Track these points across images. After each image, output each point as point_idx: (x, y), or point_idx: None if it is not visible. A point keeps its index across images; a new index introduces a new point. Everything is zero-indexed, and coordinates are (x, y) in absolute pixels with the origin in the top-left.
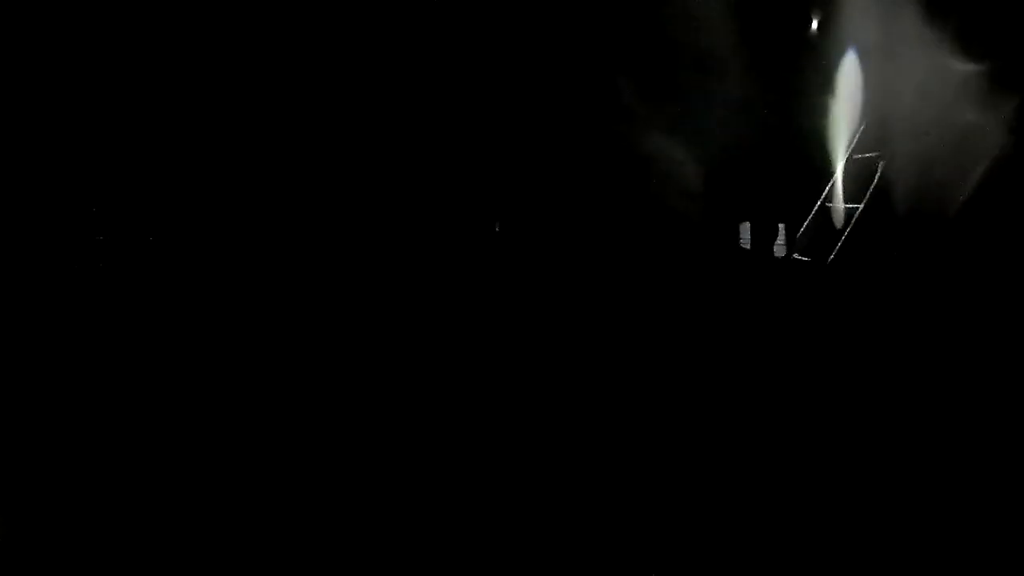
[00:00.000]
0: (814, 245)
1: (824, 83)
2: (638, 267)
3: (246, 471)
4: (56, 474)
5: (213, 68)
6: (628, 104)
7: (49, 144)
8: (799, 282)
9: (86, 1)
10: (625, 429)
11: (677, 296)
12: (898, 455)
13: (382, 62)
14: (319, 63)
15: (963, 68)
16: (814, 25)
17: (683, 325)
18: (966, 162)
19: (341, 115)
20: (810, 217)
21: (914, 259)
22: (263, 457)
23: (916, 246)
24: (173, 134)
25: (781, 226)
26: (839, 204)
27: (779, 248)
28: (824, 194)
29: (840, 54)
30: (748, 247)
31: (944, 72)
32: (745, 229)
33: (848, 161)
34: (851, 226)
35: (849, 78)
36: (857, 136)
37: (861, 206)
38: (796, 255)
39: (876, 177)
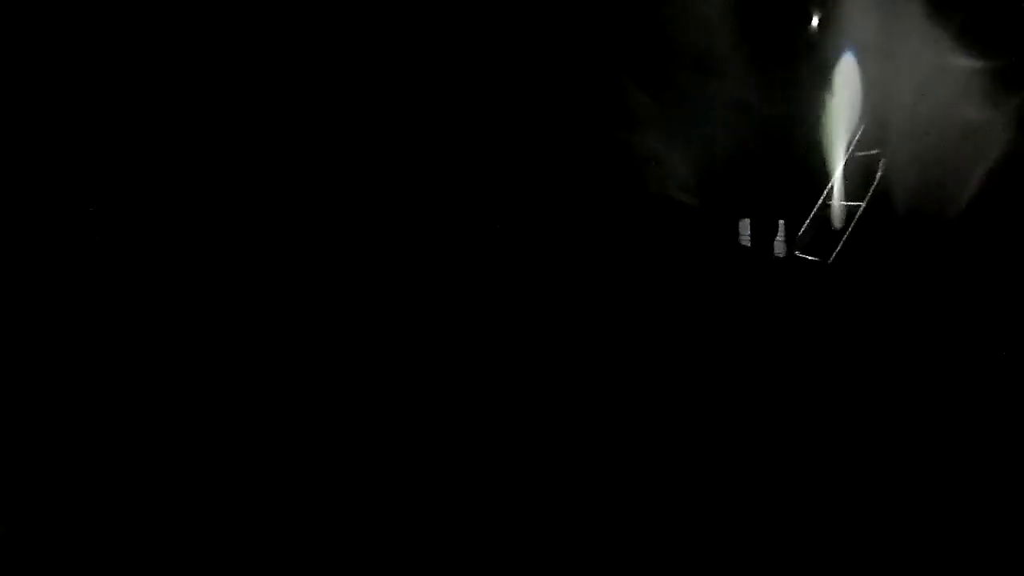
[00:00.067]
0: (815, 244)
1: (824, 82)
2: (638, 266)
3: (245, 471)
4: (56, 474)
5: (213, 68)
6: (628, 104)
7: (49, 144)
8: (800, 281)
9: (86, 1)
10: (626, 427)
11: (677, 295)
12: (898, 453)
13: (382, 62)
14: (319, 63)
15: (964, 67)
16: (814, 24)
17: (683, 324)
18: (967, 161)
19: (340, 115)
20: (811, 216)
21: (915, 258)
22: (263, 456)
23: (917, 245)
24: (173, 134)
25: (781, 224)
26: (840, 203)
27: (779, 247)
28: (825, 193)
29: (840, 53)
30: (748, 246)
31: (945, 71)
32: (745, 227)
33: (849, 160)
34: (852, 225)
35: (849, 77)
36: (858, 135)
37: (862, 205)
38: (797, 254)
39: (877, 176)
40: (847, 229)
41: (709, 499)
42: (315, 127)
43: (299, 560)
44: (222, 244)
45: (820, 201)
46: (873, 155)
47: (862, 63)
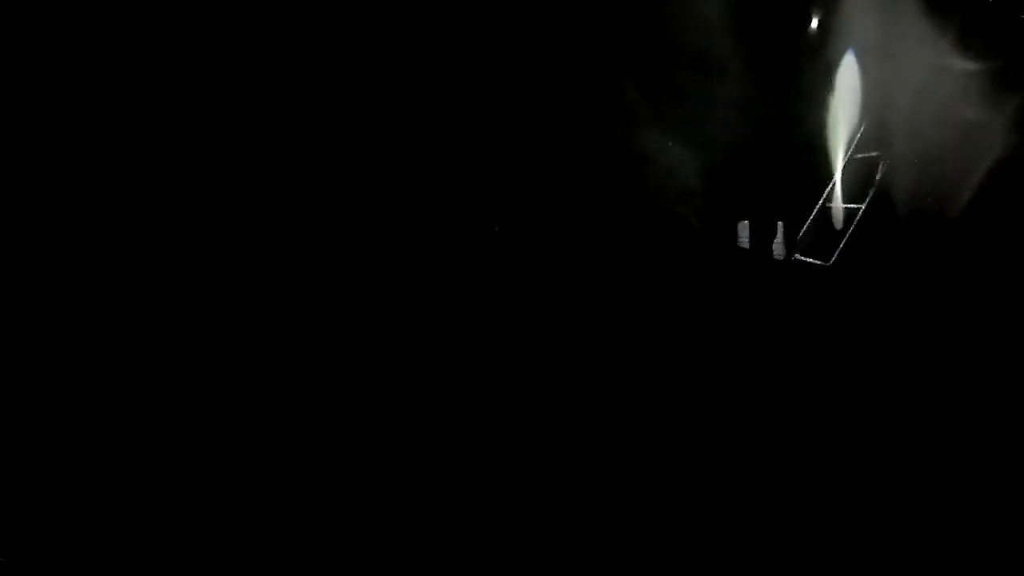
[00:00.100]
0: (814, 246)
1: (824, 84)
2: (638, 268)
3: (245, 471)
4: (56, 474)
5: (213, 68)
6: (628, 104)
7: (49, 144)
8: (799, 284)
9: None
10: (625, 431)
11: (677, 297)
12: (901, 456)
13: (382, 62)
14: (319, 63)
15: (964, 68)
16: (814, 25)
17: (683, 327)
18: (967, 162)
19: (339, 116)
20: (810, 218)
21: (915, 260)
22: (262, 457)
23: (917, 247)
24: (173, 134)
25: (780, 227)
26: (839, 205)
27: (778, 249)
28: (824, 195)
29: (840, 54)
30: (747, 247)
31: (945, 72)
32: (744, 229)
33: (848, 162)
34: (852, 227)
35: (849, 78)
36: (858, 137)
37: (863, 206)
38: (796, 256)
39: (876, 178)
40: (847, 231)
41: (709, 505)
42: (312, 127)
43: (299, 560)
44: (222, 245)
45: (820, 203)
46: (873, 157)
47: (862, 64)
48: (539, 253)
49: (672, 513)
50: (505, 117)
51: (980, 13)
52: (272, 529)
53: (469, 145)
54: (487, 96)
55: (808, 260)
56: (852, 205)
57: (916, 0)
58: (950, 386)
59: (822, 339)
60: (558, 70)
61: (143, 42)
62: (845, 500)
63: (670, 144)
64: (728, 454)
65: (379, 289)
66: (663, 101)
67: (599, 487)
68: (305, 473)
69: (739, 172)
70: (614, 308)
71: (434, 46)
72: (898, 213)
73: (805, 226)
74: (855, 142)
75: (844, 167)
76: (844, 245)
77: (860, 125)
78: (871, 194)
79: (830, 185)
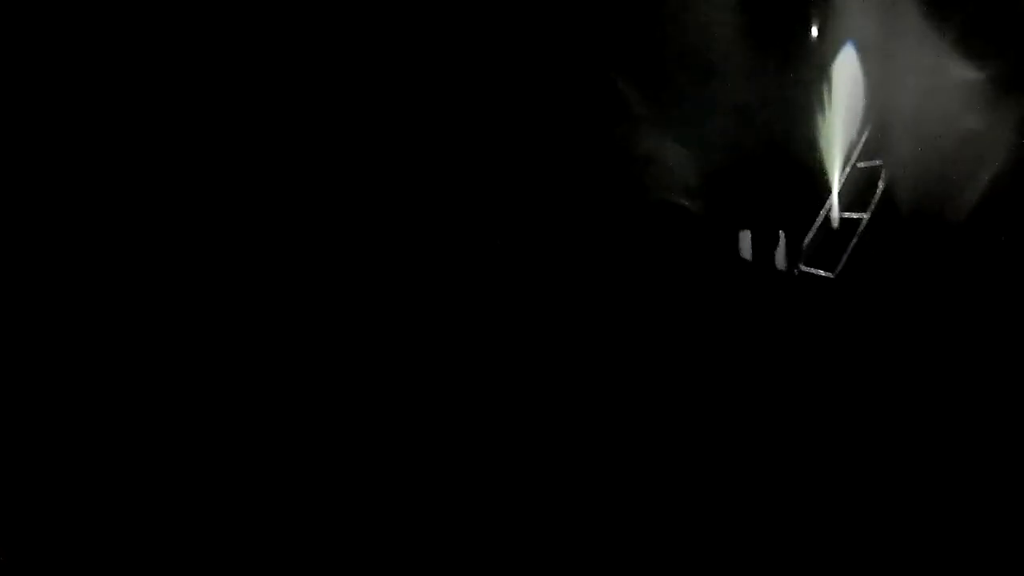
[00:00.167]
0: (818, 256)
1: (825, 89)
2: (636, 279)
3: (245, 472)
4: (56, 475)
5: (212, 69)
6: (626, 109)
7: (49, 144)
8: (804, 295)
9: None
10: (623, 447)
11: (677, 309)
12: (906, 468)
13: (378, 65)
14: (312, 68)
15: (967, 71)
16: (815, 30)
17: (684, 340)
18: (972, 167)
19: (337, 117)
20: (813, 228)
21: (921, 269)
22: (262, 458)
23: (922, 256)
24: (172, 135)
25: (782, 236)
26: (842, 214)
27: (781, 259)
28: (827, 205)
29: (842, 60)
30: (749, 259)
31: (948, 75)
32: (746, 239)
33: (851, 170)
34: (856, 237)
35: (851, 83)
36: (860, 144)
37: (866, 215)
38: (800, 267)
39: (880, 185)
40: (851, 241)
41: (710, 512)
42: (307, 134)
43: (299, 560)
44: (217, 251)
45: (822, 213)
46: (876, 166)
47: (864, 70)
48: (534, 263)
49: (668, 523)
50: (500, 122)
51: (983, 15)
52: (272, 529)
53: (467, 148)
54: (485, 99)
55: (812, 271)
56: (855, 214)
57: (918, 3)
58: (959, 398)
59: (829, 353)
60: (557, 77)
61: (143, 42)
62: (851, 515)
63: (669, 151)
64: (728, 473)
65: (378, 290)
66: (661, 107)
67: (595, 498)
68: (305, 474)
69: (740, 181)
70: (613, 320)
71: (430, 49)
72: (902, 222)
73: (809, 236)
74: (858, 149)
75: (846, 175)
76: (848, 255)
77: (863, 132)
78: (875, 202)
79: (832, 193)
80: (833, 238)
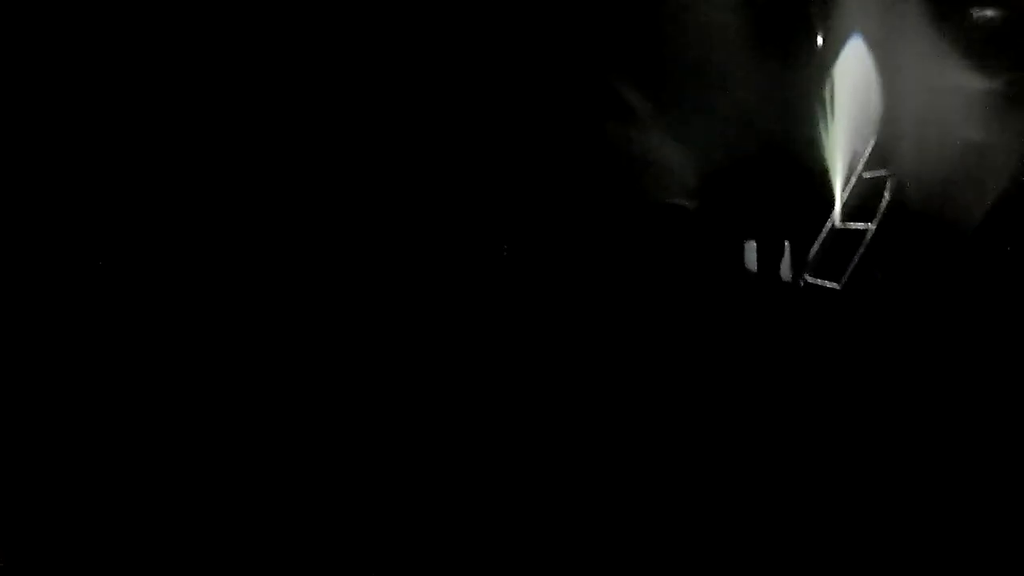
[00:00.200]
0: (824, 267)
1: (831, 100)
2: (640, 288)
3: (245, 472)
4: (56, 476)
5: (213, 69)
6: (628, 116)
7: (48, 144)
8: (810, 306)
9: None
10: (631, 455)
11: (682, 322)
12: (913, 480)
13: (380, 64)
14: (308, 74)
15: (975, 84)
16: (821, 40)
17: (689, 353)
18: (978, 179)
19: (339, 124)
20: (820, 238)
21: (926, 279)
22: (262, 458)
23: (928, 266)
24: (172, 136)
25: (787, 247)
26: (848, 224)
27: (786, 270)
28: (834, 213)
29: (848, 69)
30: (755, 268)
31: (956, 88)
32: (751, 250)
33: (857, 180)
34: (863, 247)
35: (857, 93)
36: (867, 153)
37: (873, 226)
38: (806, 278)
39: (886, 196)
40: (857, 251)
41: (713, 537)
42: (306, 134)
43: (299, 560)
44: (215, 258)
45: (828, 223)
46: (882, 176)
47: (871, 80)
48: (535, 274)
49: (666, 537)
50: (496, 128)
51: (990, 26)
52: (272, 529)
53: (469, 153)
54: (486, 103)
55: (818, 282)
56: (862, 224)
57: (925, 14)
58: (965, 410)
59: (835, 364)
60: (554, 86)
61: (143, 42)
62: (858, 533)
63: (674, 159)
64: (733, 483)
65: (381, 290)
66: (666, 115)
67: (593, 512)
68: (304, 475)
69: (745, 191)
70: (618, 330)
71: (432, 56)
72: (909, 231)
73: (814, 247)
74: (863, 160)
75: (852, 185)
76: (855, 266)
77: (868, 141)
78: (881, 213)
79: (838, 203)
80: (839, 249)
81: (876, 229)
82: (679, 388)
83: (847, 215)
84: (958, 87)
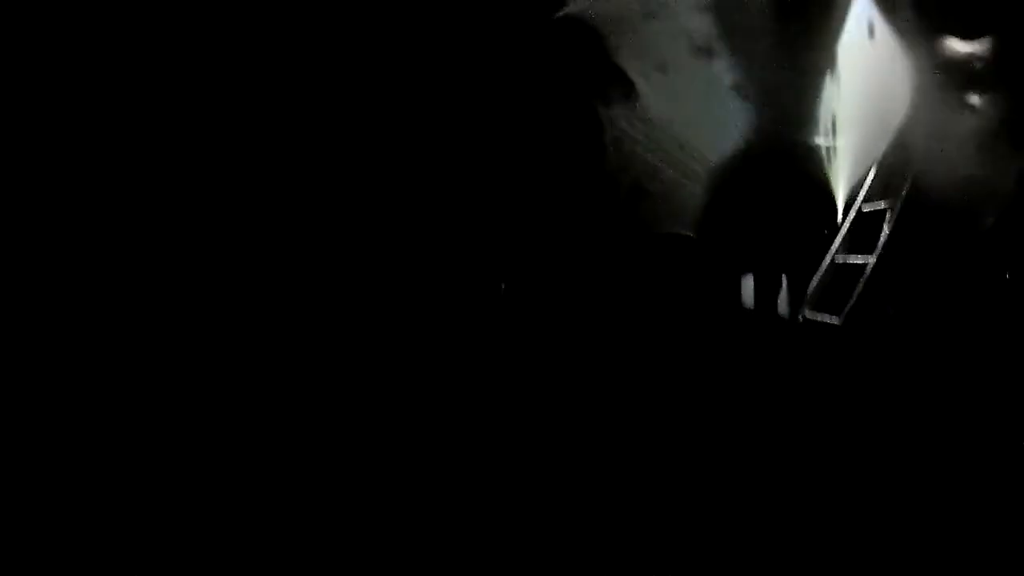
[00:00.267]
0: (823, 302)
1: (830, 133)
2: (635, 322)
3: (245, 472)
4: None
5: (212, 69)
6: (628, 144)
7: (49, 145)
8: (807, 340)
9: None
10: (627, 491)
11: (676, 360)
12: (916, 519)
13: (381, 76)
14: (305, 81)
15: (975, 117)
16: (824, 68)
17: (685, 394)
18: (977, 211)
19: (338, 130)
20: (819, 272)
21: (928, 314)
22: (262, 458)
23: (929, 300)
24: (172, 136)
25: (784, 280)
26: (847, 258)
27: (784, 306)
28: (833, 246)
29: (848, 102)
30: (752, 304)
31: (956, 119)
32: (748, 285)
33: (856, 213)
34: (862, 281)
35: (857, 127)
36: (867, 185)
37: (872, 259)
38: (804, 314)
39: (885, 229)
40: (857, 286)
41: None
42: (304, 139)
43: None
44: (215, 258)
45: (827, 257)
46: (881, 208)
47: (872, 112)
48: (525, 308)
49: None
50: (496, 148)
51: (996, 55)
52: (272, 529)
53: (469, 160)
54: (487, 107)
55: (817, 317)
56: (861, 258)
57: (929, 43)
58: (969, 447)
59: (834, 403)
60: (548, 110)
61: (143, 42)
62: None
63: (670, 189)
64: (733, 522)
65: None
66: (663, 139)
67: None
68: (305, 475)
69: (742, 224)
70: (615, 364)
71: (429, 60)
72: (909, 264)
73: (814, 281)
74: (862, 192)
75: (852, 218)
76: (855, 301)
77: (868, 173)
78: (881, 246)
79: (838, 236)
80: (838, 283)
81: (876, 262)
82: (675, 426)
83: (846, 248)
84: (959, 119)
